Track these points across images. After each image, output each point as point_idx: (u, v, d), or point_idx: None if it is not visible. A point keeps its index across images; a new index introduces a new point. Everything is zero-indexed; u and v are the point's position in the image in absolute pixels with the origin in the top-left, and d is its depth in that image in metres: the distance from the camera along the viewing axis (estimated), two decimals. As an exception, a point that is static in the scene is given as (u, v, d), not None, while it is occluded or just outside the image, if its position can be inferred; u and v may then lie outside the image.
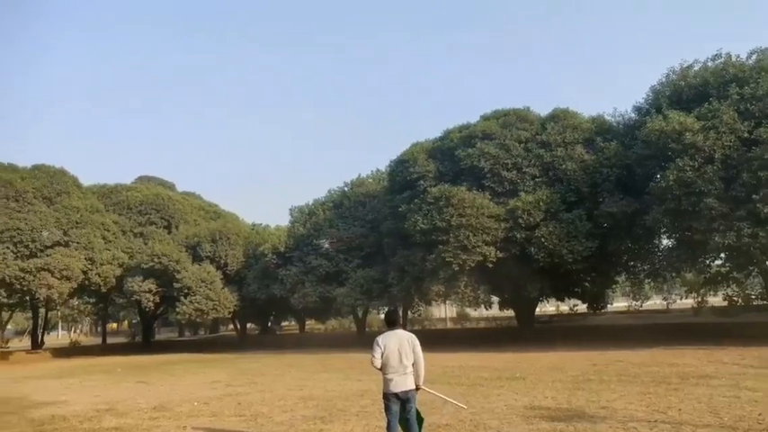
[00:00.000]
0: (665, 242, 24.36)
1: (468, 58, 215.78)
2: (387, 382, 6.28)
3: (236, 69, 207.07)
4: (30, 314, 42.53)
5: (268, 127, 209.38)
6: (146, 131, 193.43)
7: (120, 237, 35.80)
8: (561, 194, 23.09)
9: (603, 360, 15.99)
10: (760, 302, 23.15)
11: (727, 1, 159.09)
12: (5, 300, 31.23)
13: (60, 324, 74.56)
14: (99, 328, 61.44)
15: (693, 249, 20.70)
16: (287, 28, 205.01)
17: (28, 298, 32.88)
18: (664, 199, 19.56)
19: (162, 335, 60.39)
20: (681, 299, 40.79)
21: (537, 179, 23.94)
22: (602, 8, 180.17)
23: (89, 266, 31.89)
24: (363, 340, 25.60)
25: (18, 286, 29.37)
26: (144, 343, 41.49)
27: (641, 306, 43.80)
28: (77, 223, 32.16)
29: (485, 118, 27.11)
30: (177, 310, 33.01)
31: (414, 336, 6.44)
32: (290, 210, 35.92)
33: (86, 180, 37.89)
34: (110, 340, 49.16)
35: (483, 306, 29.38)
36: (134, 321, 59.20)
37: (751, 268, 22.03)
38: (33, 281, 29.19)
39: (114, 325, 71.96)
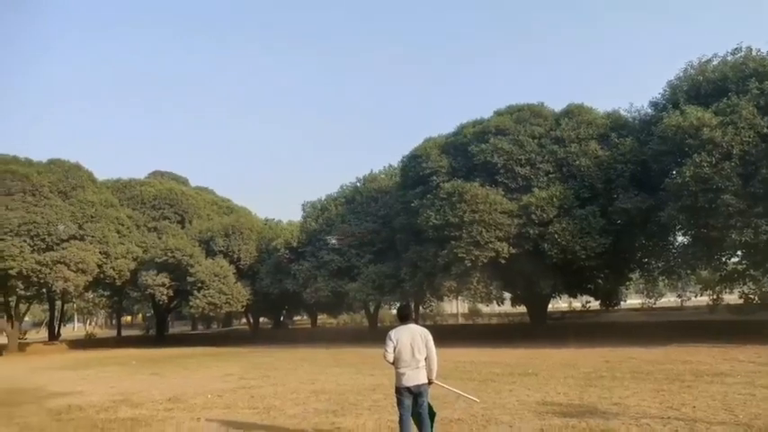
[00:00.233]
0: (681, 239, 24.11)
1: (483, 52, 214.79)
2: (399, 376, 6.30)
3: (249, 66, 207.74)
4: (46, 306, 43.14)
5: (280, 123, 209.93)
6: (159, 128, 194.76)
7: (135, 231, 36.09)
8: (575, 190, 22.94)
9: (616, 357, 15.88)
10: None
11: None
12: (23, 292, 31.64)
13: (76, 316, 75.52)
14: (114, 321, 62.19)
15: (709, 246, 20.46)
16: (299, 21, 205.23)
17: (45, 290, 33.30)
18: (680, 195, 19.32)
19: (175, 328, 60.92)
20: (695, 296, 40.40)
21: (550, 175, 23.79)
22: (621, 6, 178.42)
23: (104, 260, 32.21)
24: (375, 335, 25.65)
25: (35, 279, 29.72)
26: (158, 336, 41.89)
27: (655, 303, 43.49)
28: (92, 217, 32.45)
29: (498, 113, 26.96)
30: (190, 303, 33.25)
31: (426, 330, 6.44)
32: (303, 205, 36.05)
33: (101, 175, 38.25)
34: (124, 333, 49.74)
35: (495, 302, 29.33)
36: (148, 315, 59.70)
37: (768, 266, 21.76)
38: (50, 273, 29.53)
39: (128, 318, 72.65)
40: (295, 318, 59.10)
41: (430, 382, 6.38)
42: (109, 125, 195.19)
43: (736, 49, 21.83)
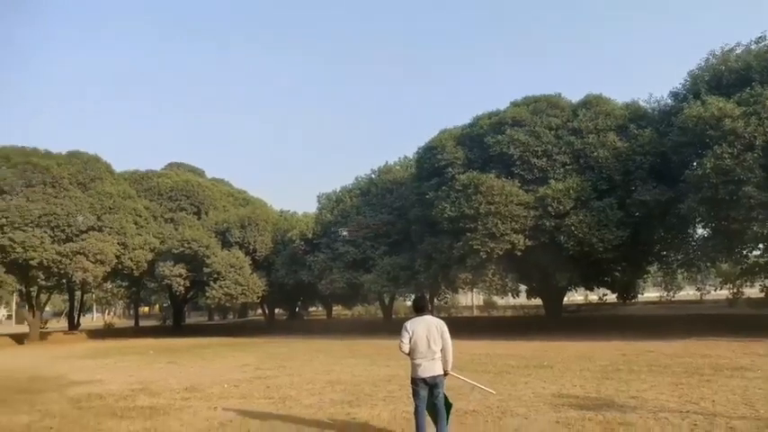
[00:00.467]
0: (700, 231, 23.79)
1: (498, 45, 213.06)
2: (415, 367, 6.29)
3: (266, 60, 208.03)
4: (66, 296, 43.72)
5: (296, 115, 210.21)
6: (177, 120, 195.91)
7: (152, 222, 36.42)
8: (592, 182, 22.70)
9: (633, 350, 15.73)
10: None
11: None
12: (44, 282, 32.11)
13: (95, 306, 76.54)
14: (131, 311, 62.85)
15: (730, 239, 20.16)
16: (315, 13, 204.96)
17: (64, 281, 33.74)
18: (700, 187, 19.03)
19: (192, 319, 61.49)
20: (715, 290, 39.93)
21: (567, 167, 23.56)
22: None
23: (122, 251, 32.55)
24: (390, 327, 25.67)
25: (55, 269, 30.15)
26: (175, 326, 42.33)
27: (673, 296, 43.05)
28: (110, 209, 32.78)
29: (515, 104, 26.74)
30: (207, 294, 33.55)
31: (442, 322, 6.42)
32: (318, 197, 36.17)
33: (119, 167, 38.60)
34: (141, 323, 50.28)
35: (510, 294, 29.22)
36: (165, 305, 60.36)
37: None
38: (69, 264, 29.93)
39: (146, 308, 73.47)
40: (310, 309, 59.39)
41: (445, 374, 6.37)
42: (128, 118, 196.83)
43: (760, 37, 21.37)
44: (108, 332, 40.15)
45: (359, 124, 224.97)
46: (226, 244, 35.10)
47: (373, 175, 35.01)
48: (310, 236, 32.84)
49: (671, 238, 24.36)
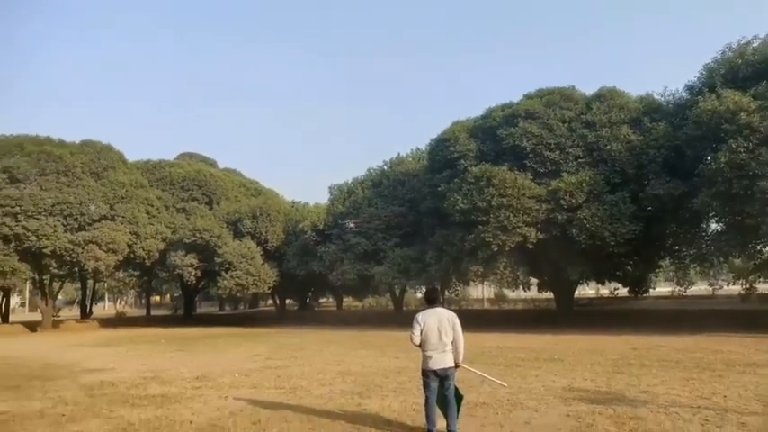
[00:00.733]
0: (714, 226, 23.58)
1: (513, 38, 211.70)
2: (426, 359, 6.30)
3: (277, 52, 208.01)
4: (78, 285, 44.12)
5: (308, 106, 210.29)
6: (189, 109, 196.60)
7: (164, 212, 36.63)
8: (605, 176, 22.54)
9: (644, 344, 15.66)
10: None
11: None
12: (56, 270, 32.40)
13: (107, 295, 77.19)
14: (143, 301, 63.43)
15: (744, 234, 19.96)
16: (324, 6, 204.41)
17: (77, 269, 34.03)
18: (714, 182, 18.86)
19: (203, 308, 61.86)
20: (727, 285, 39.58)
21: (580, 160, 23.41)
22: None
23: (134, 240, 32.78)
24: (401, 318, 25.71)
25: (68, 258, 30.42)
26: (186, 316, 42.65)
27: (685, 291, 42.73)
28: (123, 198, 33.00)
29: (528, 97, 26.57)
30: (218, 284, 33.71)
31: (454, 314, 6.42)
32: (330, 188, 36.22)
33: (131, 156, 38.81)
34: (153, 312, 50.66)
35: (521, 287, 29.13)
36: (176, 295, 60.75)
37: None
38: (82, 253, 30.18)
39: (157, 298, 74.02)
40: (321, 300, 59.59)
41: (456, 366, 6.37)
42: (140, 107, 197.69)
43: (777, 30, 21.06)
44: (120, 321, 40.53)
45: (372, 116, 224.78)
46: (237, 234, 35.24)
47: (385, 167, 34.98)
48: (322, 227, 32.90)
49: (684, 232, 24.18)
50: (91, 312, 41.03)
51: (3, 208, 28.90)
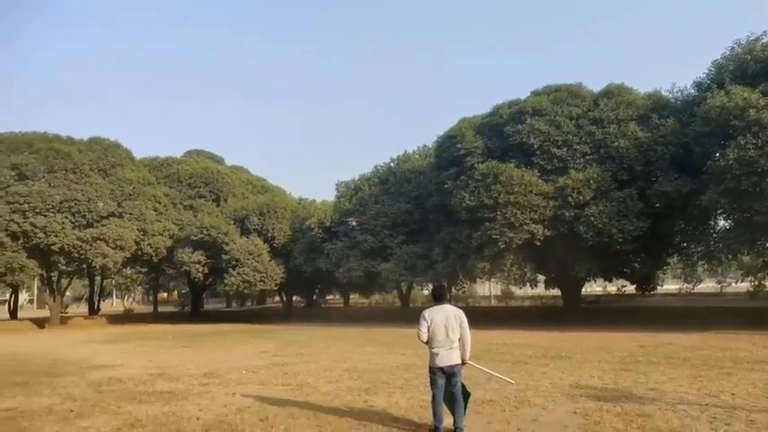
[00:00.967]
0: (722, 223, 23.42)
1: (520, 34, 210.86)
2: (433, 356, 6.30)
3: (284, 51, 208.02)
4: (87, 281, 44.35)
5: (315, 104, 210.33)
6: (196, 107, 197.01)
7: (171, 209, 36.71)
8: (612, 173, 22.43)
9: (652, 342, 15.60)
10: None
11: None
12: (64, 267, 32.52)
13: (114, 292, 77.62)
14: (150, 297, 63.66)
15: (752, 231, 19.82)
16: (328, 5, 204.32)
17: (85, 266, 34.16)
18: (722, 178, 18.72)
19: (210, 305, 62.08)
20: (736, 282, 39.36)
21: (587, 156, 23.30)
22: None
23: (141, 237, 32.89)
24: (407, 315, 25.72)
25: (76, 254, 30.55)
26: (193, 312, 42.79)
27: (693, 288, 42.54)
28: (130, 195, 33.11)
29: (535, 93, 26.49)
30: (225, 281, 33.82)
31: (461, 311, 6.42)
32: (337, 185, 36.30)
33: (139, 153, 38.90)
34: (160, 309, 50.90)
35: (528, 285, 29.09)
36: (183, 291, 60.96)
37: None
38: (90, 249, 30.31)
39: (165, 294, 74.32)
40: (327, 297, 59.68)
41: (463, 363, 6.36)
42: (148, 105, 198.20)
43: (788, 26, 20.90)
44: (127, 317, 40.68)
45: (379, 114, 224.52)
46: (244, 231, 35.32)
47: (392, 164, 34.98)
48: (328, 224, 32.93)
49: (692, 229, 24.04)
50: (99, 309, 41.27)
51: (11, 205, 29.07)
